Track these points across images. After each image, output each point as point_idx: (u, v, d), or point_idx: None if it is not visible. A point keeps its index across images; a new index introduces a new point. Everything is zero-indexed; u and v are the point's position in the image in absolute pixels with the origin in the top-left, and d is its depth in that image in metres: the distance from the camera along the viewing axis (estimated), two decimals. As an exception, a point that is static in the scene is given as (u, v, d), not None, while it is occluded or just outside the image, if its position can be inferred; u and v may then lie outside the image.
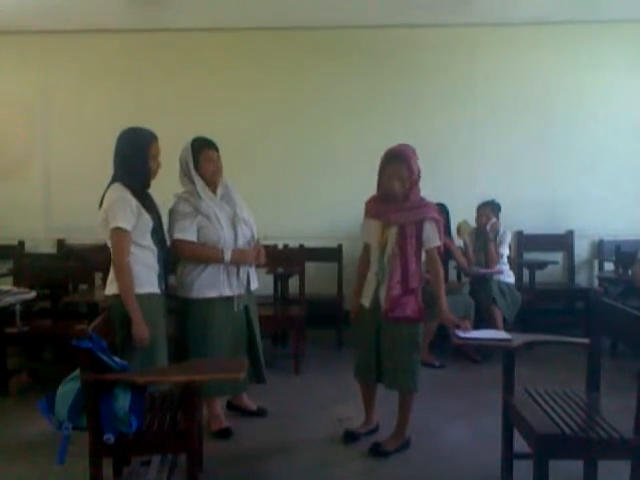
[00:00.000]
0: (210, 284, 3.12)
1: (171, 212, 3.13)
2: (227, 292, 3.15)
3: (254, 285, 3.32)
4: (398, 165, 2.93)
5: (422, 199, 3.02)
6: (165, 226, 3.05)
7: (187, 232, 3.07)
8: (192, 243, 3.09)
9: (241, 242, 3.18)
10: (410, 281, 2.96)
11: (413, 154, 2.98)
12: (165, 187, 3.01)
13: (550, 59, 5.66)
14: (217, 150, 3.20)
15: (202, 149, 3.14)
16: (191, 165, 3.12)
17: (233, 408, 3.58)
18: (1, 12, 5.18)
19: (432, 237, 2.97)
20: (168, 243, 3.08)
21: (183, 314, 3.17)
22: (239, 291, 3.19)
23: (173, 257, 3.13)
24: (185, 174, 3.15)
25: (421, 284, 3.03)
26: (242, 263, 3.16)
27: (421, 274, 3.04)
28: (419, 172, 2.98)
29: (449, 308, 3.03)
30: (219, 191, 3.20)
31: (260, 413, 3.55)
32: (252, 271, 3.30)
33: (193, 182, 3.12)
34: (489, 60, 5.70)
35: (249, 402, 3.59)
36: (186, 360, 3.04)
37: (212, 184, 3.17)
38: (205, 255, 3.11)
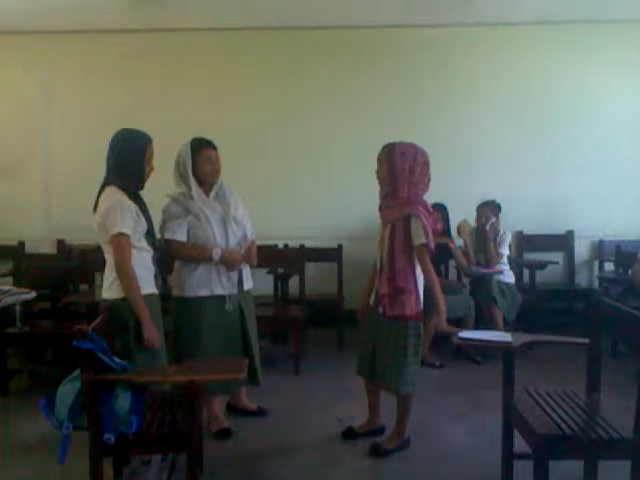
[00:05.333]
0: (202, 283, 3.13)
1: (163, 212, 3.15)
2: (219, 291, 3.16)
3: (247, 285, 3.31)
4: (380, 152, 3.02)
5: (412, 196, 2.96)
6: (157, 226, 3.05)
7: (177, 232, 3.10)
8: (181, 243, 3.11)
9: (232, 242, 3.19)
10: (398, 279, 2.93)
11: (404, 149, 2.96)
12: (161, 188, 3.00)
13: (550, 59, 5.66)
14: (216, 150, 3.20)
15: (201, 149, 3.14)
16: (189, 165, 3.11)
17: (233, 409, 3.58)
18: (1, 12, 5.18)
19: (416, 234, 2.92)
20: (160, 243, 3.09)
21: (176, 313, 3.19)
22: (231, 290, 3.19)
23: (169, 257, 3.15)
24: (180, 175, 3.14)
25: (416, 283, 2.98)
26: (230, 263, 3.16)
27: (414, 273, 2.97)
28: (410, 170, 2.93)
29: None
30: (213, 191, 3.19)
31: (260, 413, 3.55)
32: (246, 271, 3.30)
33: (187, 183, 3.11)
34: (489, 60, 5.70)
35: (248, 402, 3.59)
36: (180, 359, 3.05)
37: (208, 184, 3.17)
38: (193, 254, 3.13)
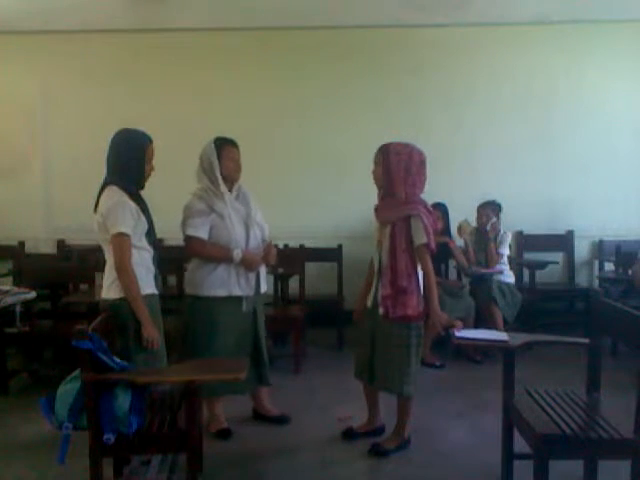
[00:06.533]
0: (220, 283, 3.13)
1: (185, 209, 3.15)
2: (237, 292, 3.16)
3: (264, 287, 3.32)
4: (376, 152, 3.03)
5: (411, 195, 2.96)
6: (157, 226, 3.04)
7: (199, 229, 3.10)
8: (202, 240, 3.11)
9: (252, 244, 3.20)
10: (399, 280, 2.93)
11: (399, 149, 2.96)
12: (161, 187, 3.00)
13: (550, 59, 5.67)
14: (238, 149, 3.24)
15: (225, 146, 3.18)
16: (215, 163, 3.12)
17: (259, 417, 3.48)
18: (2, 12, 5.18)
19: (417, 234, 2.93)
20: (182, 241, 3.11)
21: (190, 311, 3.18)
22: (248, 292, 3.20)
23: (186, 255, 3.15)
24: (204, 170, 3.16)
25: (418, 283, 2.99)
26: (250, 265, 3.16)
27: (415, 272, 2.98)
28: (406, 169, 2.93)
29: (442, 308, 3.02)
30: (234, 191, 3.22)
31: (283, 420, 3.45)
32: (262, 273, 3.31)
33: (214, 180, 3.13)
34: (489, 60, 5.71)
35: (270, 408, 3.50)
36: (191, 358, 3.05)
37: (230, 182, 3.20)
38: (214, 254, 3.13)
